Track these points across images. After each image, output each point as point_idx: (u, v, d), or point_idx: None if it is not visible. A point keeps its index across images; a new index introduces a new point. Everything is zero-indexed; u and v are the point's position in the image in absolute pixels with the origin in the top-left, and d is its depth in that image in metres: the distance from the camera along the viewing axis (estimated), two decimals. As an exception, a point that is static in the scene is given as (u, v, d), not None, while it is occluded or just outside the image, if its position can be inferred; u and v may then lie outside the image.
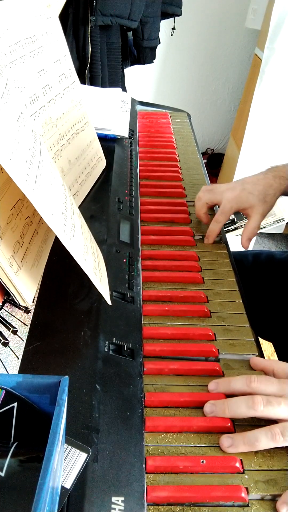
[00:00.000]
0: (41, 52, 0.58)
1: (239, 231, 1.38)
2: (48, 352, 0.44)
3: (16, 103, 0.43)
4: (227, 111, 2.19)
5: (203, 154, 2.24)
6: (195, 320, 0.54)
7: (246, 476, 0.39)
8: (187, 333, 0.52)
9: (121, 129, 0.87)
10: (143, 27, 1.44)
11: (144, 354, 0.49)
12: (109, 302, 0.50)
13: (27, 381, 0.31)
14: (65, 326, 0.47)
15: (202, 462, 0.39)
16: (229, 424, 0.43)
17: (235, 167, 1.84)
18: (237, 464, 0.40)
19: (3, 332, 0.46)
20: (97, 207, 0.67)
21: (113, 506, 0.34)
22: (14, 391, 0.31)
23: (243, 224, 1.40)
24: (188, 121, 1.09)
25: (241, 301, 0.58)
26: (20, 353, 0.44)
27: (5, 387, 0.31)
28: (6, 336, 0.45)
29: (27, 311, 0.48)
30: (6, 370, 0.42)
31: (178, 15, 1.59)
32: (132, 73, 1.80)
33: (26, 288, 0.48)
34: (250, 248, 1.69)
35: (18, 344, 0.45)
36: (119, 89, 1.01)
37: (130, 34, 1.52)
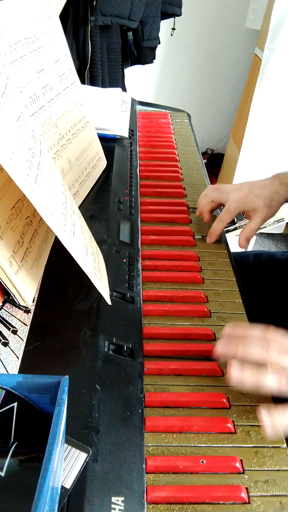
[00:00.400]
0: (41, 52, 0.58)
1: (239, 231, 1.38)
2: (48, 352, 0.44)
3: (16, 103, 0.43)
4: (227, 111, 2.19)
5: (203, 154, 2.24)
6: (195, 320, 0.54)
7: (246, 476, 0.39)
8: (187, 333, 0.52)
9: (121, 129, 0.87)
10: (143, 27, 1.44)
11: (144, 354, 0.49)
12: (109, 302, 0.50)
13: (27, 381, 0.31)
14: (65, 326, 0.47)
15: (202, 462, 0.39)
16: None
17: (235, 167, 1.84)
18: (237, 464, 0.40)
19: (3, 332, 0.46)
20: (97, 207, 0.67)
21: (113, 506, 0.34)
22: (14, 391, 0.31)
23: (243, 224, 1.40)
24: (188, 121, 1.09)
25: (241, 301, 0.58)
26: (20, 353, 0.44)
27: (5, 387, 0.31)
28: (6, 336, 0.45)
29: (27, 311, 0.48)
30: (6, 370, 0.42)
31: (178, 15, 1.59)
32: (132, 73, 1.80)
33: (26, 288, 0.48)
34: (250, 248, 1.69)
35: (18, 344, 0.45)
36: (119, 89, 1.01)
37: (130, 34, 1.52)
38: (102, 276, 0.51)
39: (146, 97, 2.07)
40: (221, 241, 0.69)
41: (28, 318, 0.47)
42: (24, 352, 0.44)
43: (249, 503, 0.38)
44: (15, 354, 0.43)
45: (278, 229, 1.94)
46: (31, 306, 0.49)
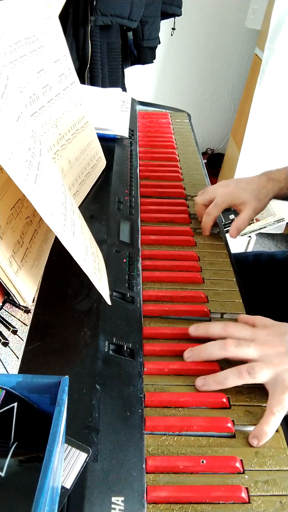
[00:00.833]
0: (41, 52, 0.58)
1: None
2: (48, 352, 0.44)
3: (16, 103, 0.43)
4: (227, 111, 2.19)
5: (203, 154, 2.24)
6: (195, 319, 0.54)
7: (246, 476, 0.39)
8: (187, 333, 0.52)
9: (121, 129, 0.87)
10: (143, 27, 1.44)
11: (144, 354, 0.49)
12: (109, 302, 0.50)
13: (27, 381, 0.31)
14: (65, 326, 0.47)
15: (202, 462, 0.39)
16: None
17: (235, 167, 1.84)
18: (237, 464, 0.40)
19: (3, 332, 0.46)
20: (97, 207, 0.67)
21: (113, 506, 0.34)
22: (14, 391, 0.31)
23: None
24: (188, 121, 1.09)
25: (241, 301, 0.58)
26: (20, 353, 0.44)
27: (5, 387, 0.31)
28: (6, 336, 0.45)
29: (27, 311, 0.48)
30: (6, 370, 0.42)
31: (178, 15, 1.59)
32: (132, 73, 1.80)
33: (26, 288, 0.48)
34: (250, 248, 1.69)
35: (18, 344, 0.45)
36: (119, 89, 1.01)
37: (130, 34, 1.52)
38: (102, 276, 0.51)
39: (146, 97, 2.07)
40: (221, 240, 0.69)
41: (28, 318, 0.47)
42: (24, 352, 0.44)
43: (249, 503, 0.38)
44: (15, 354, 0.44)
45: (278, 229, 1.94)
46: (31, 306, 0.49)
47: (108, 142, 0.84)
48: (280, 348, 0.46)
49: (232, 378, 0.45)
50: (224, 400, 0.45)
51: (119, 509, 0.34)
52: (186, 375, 0.47)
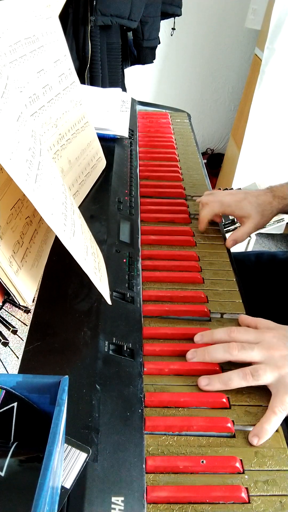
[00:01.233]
0: (41, 52, 0.58)
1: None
2: (48, 352, 0.44)
3: (16, 103, 0.43)
4: (227, 111, 2.19)
5: (203, 154, 2.24)
6: (195, 320, 0.54)
7: (246, 476, 0.39)
8: (187, 333, 0.52)
9: (121, 129, 0.87)
10: (143, 27, 1.44)
11: (144, 354, 0.49)
12: (109, 302, 0.50)
13: (27, 381, 0.31)
14: (65, 326, 0.47)
15: (202, 462, 0.39)
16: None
17: (235, 167, 1.84)
18: (237, 464, 0.40)
19: (3, 332, 0.46)
20: (97, 207, 0.67)
21: (113, 506, 0.34)
22: (14, 391, 0.31)
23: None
24: (188, 121, 1.09)
25: (241, 301, 0.58)
26: (20, 353, 0.44)
27: (5, 387, 0.31)
28: (6, 336, 0.45)
29: (27, 311, 0.48)
30: (6, 370, 0.42)
31: (178, 15, 1.59)
32: (132, 73, 1.80)
33: (26, 288, 0.48)
34: (250, 248, 1.69)
35: (18, 344, 0.45)
36: (119, 89, 1.01)
37: (130, 34, 1.52)
38: (102, 276, 0.51)
39: (146, 97, 2.07)
40: (221, 241, 0.69)
41: (28, 318, 0.47)
42: (24, 352, 0.44)
43: (249, 503, 0.38)
44: (15, 354, 0.44)
45: (278, 229, 1.94)
46: (31, 306, 0.49)
47: (108, 142, 0.84)
48: (284, 351, 0.46)
49: (236, 380, 0.45)
50: (224, 400, 0.45)
51: (119, 509, 0.34)
52: (186, 375, 0.47)
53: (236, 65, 2.03)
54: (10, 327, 0.46)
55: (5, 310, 0.48)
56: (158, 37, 1.54)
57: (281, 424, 0.43)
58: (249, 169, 1.81)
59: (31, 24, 0.56)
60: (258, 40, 1.70)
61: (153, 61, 1.60)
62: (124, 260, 0.59)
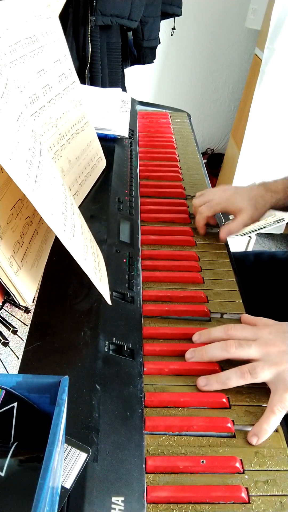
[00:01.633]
0: (41, 52, 0.58)
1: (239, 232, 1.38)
2: (48, 352, 0.44)
3: (16, 103, 0.43)
4: (227, 111, 2.19)
5: (203, 154, 2.24)
6: (195, 320, 0.54)
7: (246, 476, 0.39)
8: (187, 333, 0.52)
9: (121, 129, 0.87)
10: (143, 27, 1.44)
11: (144, 354, 0.49)
12: (109, 302, 0.50)
13: (27, 381, 0.31)
14: (65, 326, 0.47)
15: (202, 462, 0.39)
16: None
17: (235, 167, 1.84)
18: (237, 464, 0.40)
19: (3, 332, 0.46)
20: (97, 207, 0.67)
21: (113, 506, 0.34)
22: (14, 391, 0.31)
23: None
24: (188, 121, 1.09)
25: (241, 301, 0.58)
26: (20, 353, 0.44)
27: (5, 387, 0.31)
28: (6, 336, 0.45)
29: (27, 311, 0.48)
30: (6, 370, 0.42)
31: (178, 15, 1.59)
32: (132, 73, 1.80)
33: (26, 288, 0.48)
34: (250, 248, 1.69)
35: (18, 344, 0.45)
36: (119, 89, 1.01)
37: (130, 34, 1.52)
38: (102, 276, 0.51)
39: (146, 97, 2.07)
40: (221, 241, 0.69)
41: (28, 318, 0.47)
42: (24, 352, 0.44)
43: (249, 503, 0.38)
44: (15, 354, 0.43)
45: (278, 229, 1.94)
46: (31, 306, 0.49)
47: (108, 142, 0.84)
48: (282, 347, 0.46)
49: (234, 379, 0.45)
50: (224, 400, 0.45)
51: (119, 509, 0.34)
52: (186, 375, 0.47)
53: (236, 65, 2.03)
54: (10, 327, 0.46)
55: (5, 310, 0.48)
56: (158, 37, 1.54)
57: (281, 424, 0.43)
58: (249, 169, 1.81)
59: (31, 24, 0.56)
60: (258, 40, 1.70)
61: (153, 61, 1.60)
62: (124, 260, 0.59)
